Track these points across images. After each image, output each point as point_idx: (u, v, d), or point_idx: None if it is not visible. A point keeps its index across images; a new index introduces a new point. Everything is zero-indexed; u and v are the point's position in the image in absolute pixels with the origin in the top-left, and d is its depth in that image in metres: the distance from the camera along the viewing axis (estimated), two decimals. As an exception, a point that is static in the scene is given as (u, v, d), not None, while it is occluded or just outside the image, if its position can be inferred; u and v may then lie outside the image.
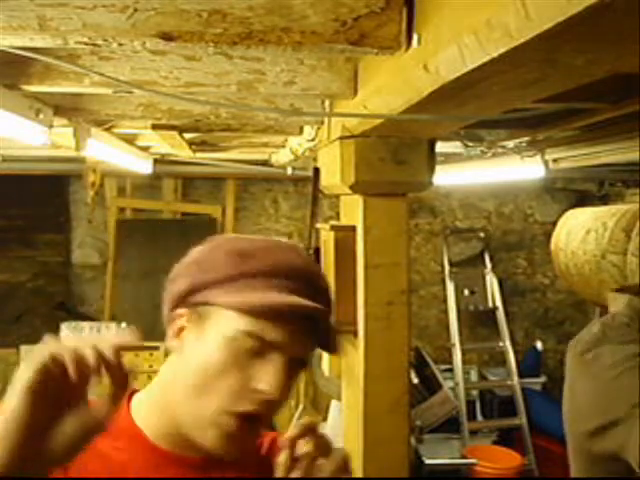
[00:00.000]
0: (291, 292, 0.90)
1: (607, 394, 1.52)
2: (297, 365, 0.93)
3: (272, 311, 0.89)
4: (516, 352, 5.38)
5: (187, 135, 3.20)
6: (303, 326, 0.91)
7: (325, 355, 2.44)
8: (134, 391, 1.03)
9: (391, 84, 1.45)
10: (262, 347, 0.89)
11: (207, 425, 0.91)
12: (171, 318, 0.96)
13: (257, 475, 1.02)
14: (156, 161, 4.47)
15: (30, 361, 0.73)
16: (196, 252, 0.98)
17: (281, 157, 4.18)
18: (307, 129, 2.84)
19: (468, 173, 4.04)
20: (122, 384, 0.77)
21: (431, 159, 2.10)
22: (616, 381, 1.50)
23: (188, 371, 0.92)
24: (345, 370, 2.32)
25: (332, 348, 1.01)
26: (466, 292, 5.56)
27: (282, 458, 0.86)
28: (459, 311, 5.39)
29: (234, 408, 0.90)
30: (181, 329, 0.94)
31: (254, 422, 0.91)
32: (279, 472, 0.86)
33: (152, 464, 0.95)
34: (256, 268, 0.91)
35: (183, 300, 0.94)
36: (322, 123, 2.50)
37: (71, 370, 0.73)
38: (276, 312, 0.89)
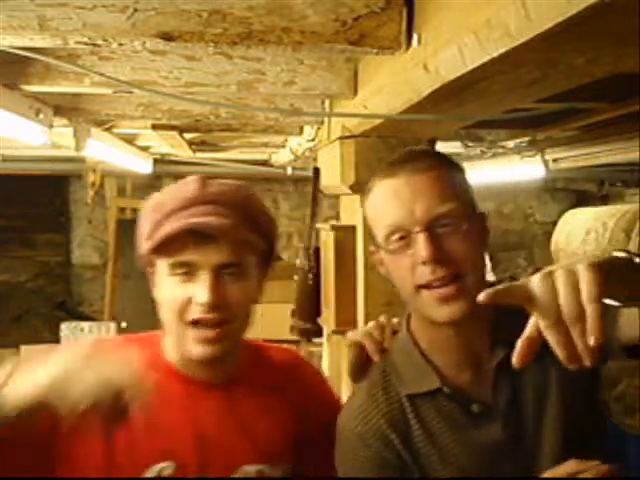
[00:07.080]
0: (185, 218, 1.03)
1: None
2: (233, 272, 1.06)
3: (166, 240, 1.03)
4: (516, 352, 5.37)
5: (187, 135, 3.20)
6: (203, 240, 1.03)
7: (325, 355, 2.44)
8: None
9: (391, 84, 1.45)
10: (186, 271, 1.04)
11: (180, 339, 1.08)
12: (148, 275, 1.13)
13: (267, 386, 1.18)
14: (156, 161, 4.47)
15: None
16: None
17: (281, 157, 4.18)
18: (307, 129, 2.84)
19: (468, 173, 4.03)
20: None
21: (431, 159, 2.09)
22: None
23: (160, 308, 1.10)
24: (346, 370, 2.32)
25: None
26: (466, 292, 5.55)
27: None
28: (459, 311, 5.38)
29: (186, 319, 1.06)
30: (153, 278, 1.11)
31: (207, 327, 1.05)
32: None
33: (176, 387, 1.12)
34: (161, 213, 1.06)
35: (146, 260, 1.11)
36: (322, 123, 2.50)
37: None
38: (169, 240, 1.02)
